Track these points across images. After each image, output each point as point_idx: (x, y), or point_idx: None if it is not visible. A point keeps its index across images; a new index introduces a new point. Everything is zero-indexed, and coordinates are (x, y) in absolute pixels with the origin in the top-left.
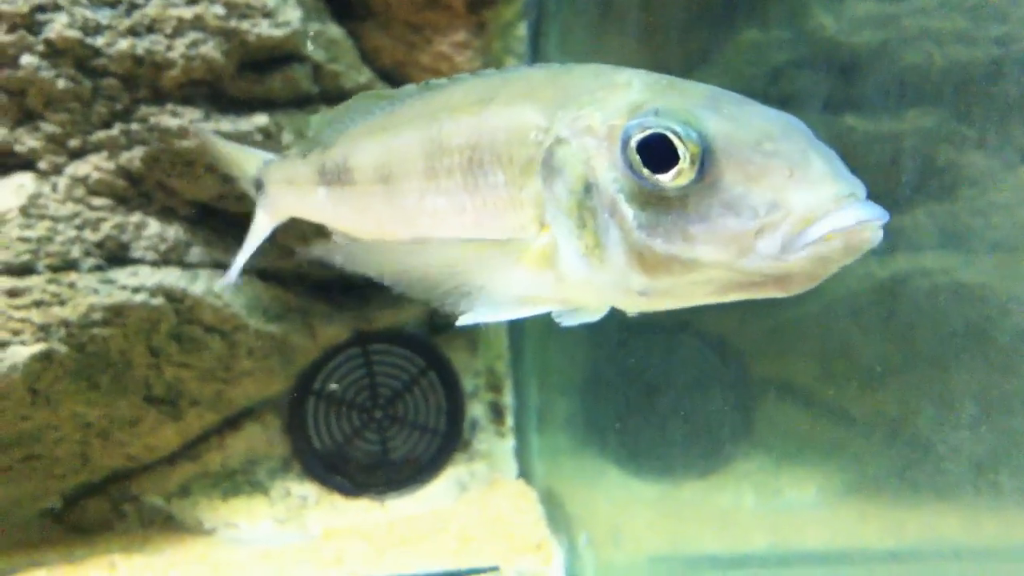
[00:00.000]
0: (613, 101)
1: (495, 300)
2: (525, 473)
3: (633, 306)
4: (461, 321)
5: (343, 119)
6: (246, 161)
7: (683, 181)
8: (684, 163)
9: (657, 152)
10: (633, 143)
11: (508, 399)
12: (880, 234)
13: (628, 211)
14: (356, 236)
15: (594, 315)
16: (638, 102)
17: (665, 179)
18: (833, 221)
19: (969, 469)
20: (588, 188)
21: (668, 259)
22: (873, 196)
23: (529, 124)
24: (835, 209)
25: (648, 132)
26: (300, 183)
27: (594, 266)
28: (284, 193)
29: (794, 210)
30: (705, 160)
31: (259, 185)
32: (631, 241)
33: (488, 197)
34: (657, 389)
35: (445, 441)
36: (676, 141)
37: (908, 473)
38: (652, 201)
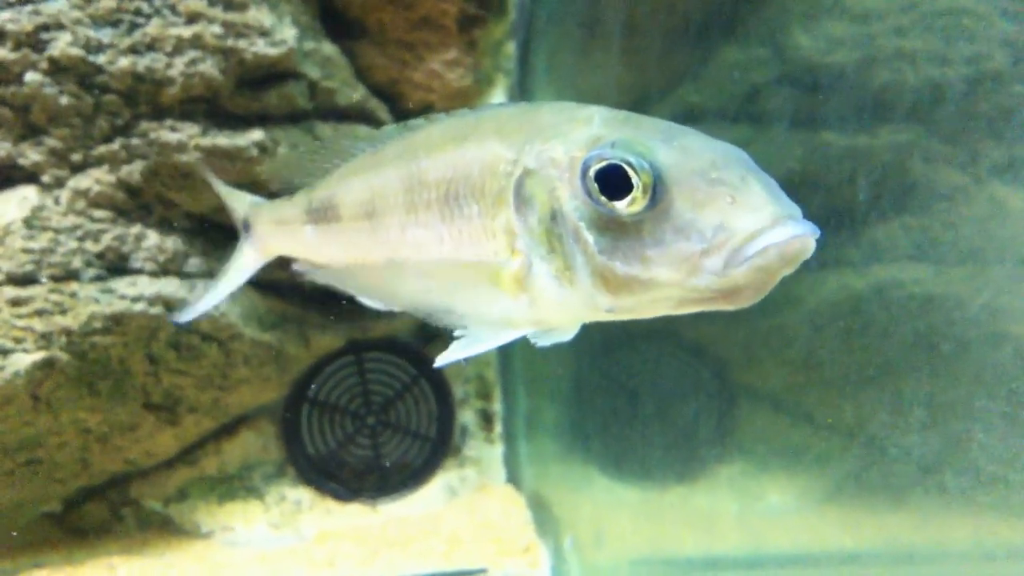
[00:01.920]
0: (575, 134)
1: (476, 322)
2: (513, 478)
3: (601, 320)
4: (440, 360)
5: (318, 160)
6: (234, 202)
7: (637, 208)
8: (637, 191)
9: (614, 181)
10: (592, 173)
11: (497, 406)
12: (812, 245)
13: (589, 236)
14: (341, 270)
15: (566, 335)
16: (597, 135)
17: (621, 206)
18: (769, 237)
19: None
20: (554, 215)
21: (628, 280)
22: (849, 209)
23: (499, 157)
24: (771, 227)
25: (605, 163)
26: (288, 222)
27: (565, 287)
28: (272, 232)
29: (736, 231)
30: (657, 188)
31: (246, 226)
32: (594, 264)
33: (464, 227)
34: (640, 397)
35: (436, 447)
36: (630, 171)
37: (864, 476)
38: (611, 227)
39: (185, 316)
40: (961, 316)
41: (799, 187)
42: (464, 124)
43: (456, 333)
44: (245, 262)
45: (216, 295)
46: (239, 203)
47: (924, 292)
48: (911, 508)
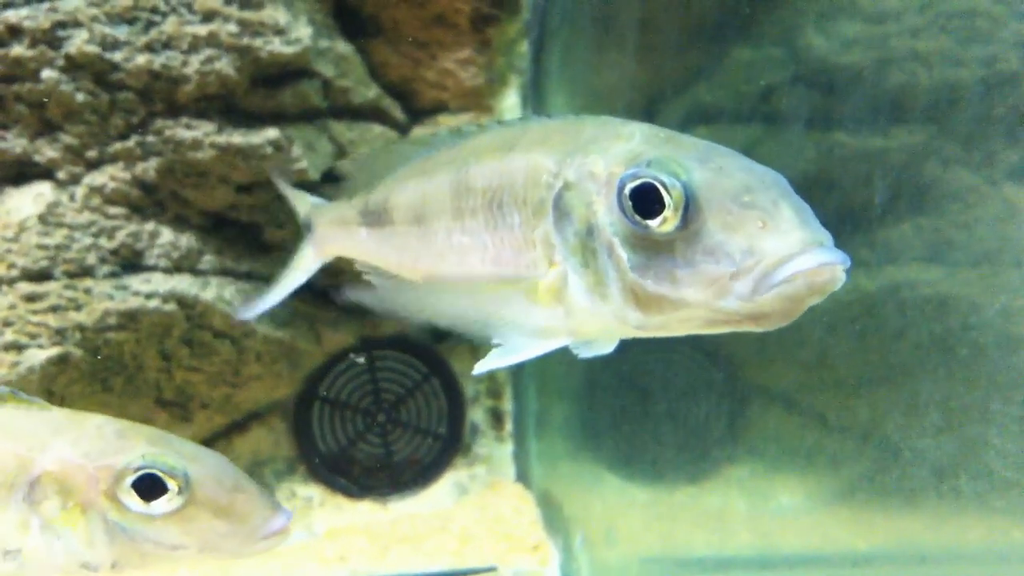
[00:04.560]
0: (615, 150)
1: (512, 332)
2: (523, 476)
3: (632, 335)
4: (479, 368)
5: (378, 164)
6: (298, 203)
7: (669, 227)
8: (669, 211)
9: (647, 199)
10: (627, 190)
11: (508, 405)
12: (843, 276)
13: (623, 253)
14: (393, 272)
15: (606, 348)
16: (636, 152)
17: (653, 224)
18: (797, 264)
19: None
20: (590, 230)
21: (658, 298)
22: (862, 210)
23: (542, 168)
24: (800, 254)
25: (639, 181)
26: (346, 224)
27: (597, 301)
28: (332, 233)
29: (765, 256)
30: (689, 208)
31: (308, 226)
32: (626, 280)
33: (506, 236)
34: (651, 396)
35: (446, 445)
36: (662, 190)
37: (877, 478)
38: (644, 244)
39: (249, 313)
40: (976, 319)
41: (812, 188)
42: (512, 133)
43: (494, 341)
44: (306, 262)
45: (279, 293)
46: (301, 204)
47: (938, 294)
48: (924, 511)
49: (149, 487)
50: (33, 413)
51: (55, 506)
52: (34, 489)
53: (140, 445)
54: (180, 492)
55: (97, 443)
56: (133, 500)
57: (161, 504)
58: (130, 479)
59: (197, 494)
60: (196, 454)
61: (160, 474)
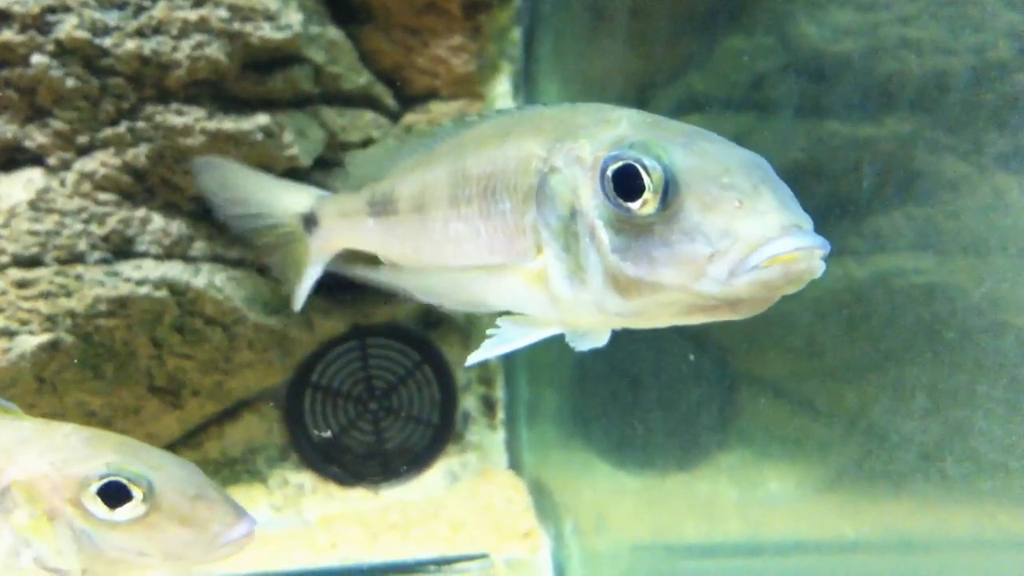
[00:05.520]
0: (602, 135)
1: (505, 319)
2: (515, 464)
3: (613, 325)
4: (472, 359)
5: (384, 156)
6: (297, 196)
7: (649, 209)
8: (649, 192)
9: (629, 182)
10: (609, 172)
11: (499, 393)
12: (822, 266)
13: (605, 236)
14: (400, 262)
15: (601, 339)
16: (621, 136)
17: (634, 206)
18: (774, 248)
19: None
20: (573, 214)
21: (637, 281)
22: (852, 198)
23: (532, 155)
24: (777, 237)
25: (621, 163)
26: (352, 215)
27: (578, 288)
28: (338, 225)
29: (741, 238)
30: (668, 190)
31: (312, 220)
32: (607, 264)
33: (498, 224)
34: (641, 384)
35: (438, 433)
36: (643, 172)
37: (865, 463)
38: (625, 227)
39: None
40: (963, 305)
41: (803, 176)
42: (508, 121)
43: (488, 332)
44: (315, 257)
45: (302, 292)
46: (301, 197)
47: (927, 281)
48: (911, 495)
49: (115, 495)
50: (4, 423)
51: (24, 515)
52: (3, 499)
53: (106, 453)
54: (144, 500)
55: (64, 452)
56: (98, 507)
57: (125, 511)
58: (94, 487)
59: (160, 502)
60: (161, 463)
61: (124, 482)
